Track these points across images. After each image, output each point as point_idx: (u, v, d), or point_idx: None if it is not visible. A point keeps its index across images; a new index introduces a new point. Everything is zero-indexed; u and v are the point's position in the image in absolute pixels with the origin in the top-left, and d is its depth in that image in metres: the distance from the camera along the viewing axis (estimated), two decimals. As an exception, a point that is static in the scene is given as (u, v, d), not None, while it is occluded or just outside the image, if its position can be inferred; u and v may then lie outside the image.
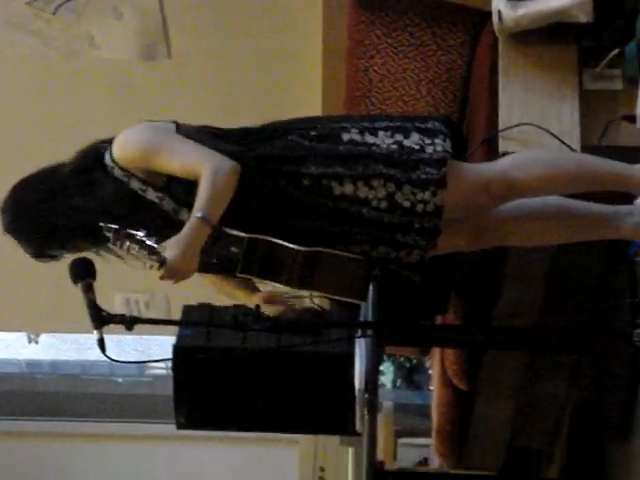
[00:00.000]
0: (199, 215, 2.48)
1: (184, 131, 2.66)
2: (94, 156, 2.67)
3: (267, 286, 2.71)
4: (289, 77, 4.11)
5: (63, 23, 4.04)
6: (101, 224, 2.53)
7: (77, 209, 2.64)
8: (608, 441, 3.41)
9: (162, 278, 2.48)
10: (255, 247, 2.55)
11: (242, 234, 2.55)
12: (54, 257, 2.72)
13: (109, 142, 2.66)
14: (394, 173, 2.63)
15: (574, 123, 3.05)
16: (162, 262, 2.45)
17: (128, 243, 2.44)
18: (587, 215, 2.87)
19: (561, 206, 2.87)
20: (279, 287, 2.64)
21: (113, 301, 4.67)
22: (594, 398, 3.61)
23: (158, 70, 4.14)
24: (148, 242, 2.44)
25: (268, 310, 2.66)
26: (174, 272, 2.47)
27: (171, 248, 2.47)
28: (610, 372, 3.29)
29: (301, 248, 2.55)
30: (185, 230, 2.49)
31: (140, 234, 2.45)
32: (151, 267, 2.47)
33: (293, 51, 4.06)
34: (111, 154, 2.63)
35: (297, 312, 2.73)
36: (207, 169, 2.53)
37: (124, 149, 2.61)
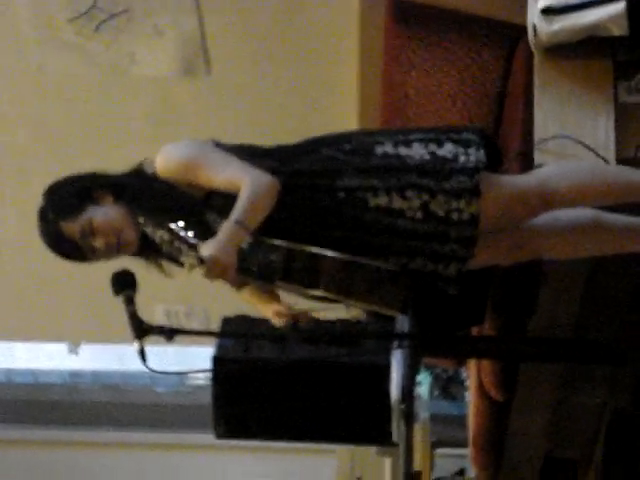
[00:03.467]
0: (234, 219, 2.53)
1: (223, 148, 2.71)
2: (138, 170, 2.72)
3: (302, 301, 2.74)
4: (326, 92, 4.12)
5: (104, 40, 4.08)
6: (140, 220, 2.58)
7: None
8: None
9: (207, 275, 2.51)
10: (294, 256, 2.58)
11: (281, 242, 2.59)
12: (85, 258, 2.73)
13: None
14: (427, 183, 2.65)
15: (609, 136, 3.04)
16: (201, 259, 2.49)
17: (166, 236, 2.48)
18: (622, 228, 2.87)
19: (596, 219, 2.87)
20: (316, 294, 2.66)
21: (154, 312, 4.71)
22: (631, 408, 3.60)
23: (197, 87, 4.18)
24: (186, 236, 2.49)
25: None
26: (216, 266, 2.49)
27: (208, 246, 2.51)
28: (646, 383, 3.28)
29: (339, 255, 2.58)
30: (220, 232, 2.54)
31: (178, 226, 2.50)
32: (191, 267, 2.51)
33: (330, 67, 4.07)
34: (153, 168, 2.68)
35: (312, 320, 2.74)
36: (248, 181, 2.57)
37: (167, 162, 2.66)
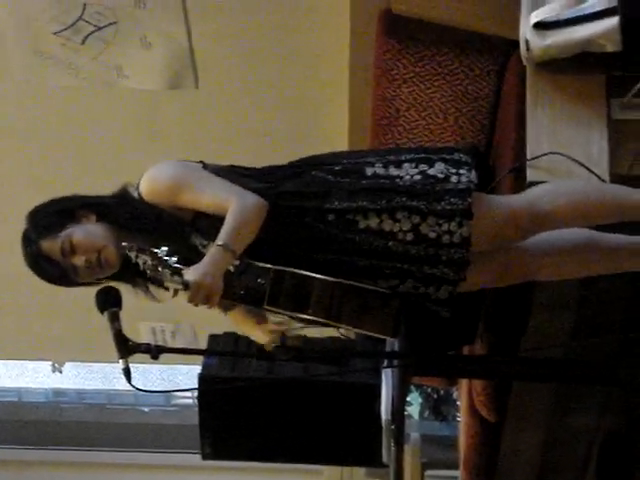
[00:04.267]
0: (220, 243, 2.49)
1: (211, 170, 2.67)
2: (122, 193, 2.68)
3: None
4: (316, 106, 4.12)
5: (92, 53, 4.07)
6: (123, 243, 2.54)
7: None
8: (638, 474, 3.37)
9: (191, 300, 2.47)
10: (282, 279, 2.55)
11: (269, 266, 2.55)
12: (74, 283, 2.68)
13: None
14: (418, 204, 2.63)
15: (602, 153, 3.02)
16: (185, 284, 2.45)
17: (150, 261, 2.45)
18: (615, 247, 2.86)
19: (589, 239, 2.86)
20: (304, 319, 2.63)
21: (139, 330, 4.68)
22: (624, 429, 3.58)
23: (185, 100, 4.17)
24: (170, 261, 2.45)
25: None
26: (200, 292, 2.46)
27: (193, 271, 2.47)
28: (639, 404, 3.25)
29: (328, 278, 2.55)
30: (206, 257, 2.50)
31: (162, 252, 2.46)
32: (175, 292, 2.47)
33: (320, 82, 4.07)
34: (138, 190, 2.64)
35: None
36: (235, 204, 2.54)
37: (153, 184, 2.63)
